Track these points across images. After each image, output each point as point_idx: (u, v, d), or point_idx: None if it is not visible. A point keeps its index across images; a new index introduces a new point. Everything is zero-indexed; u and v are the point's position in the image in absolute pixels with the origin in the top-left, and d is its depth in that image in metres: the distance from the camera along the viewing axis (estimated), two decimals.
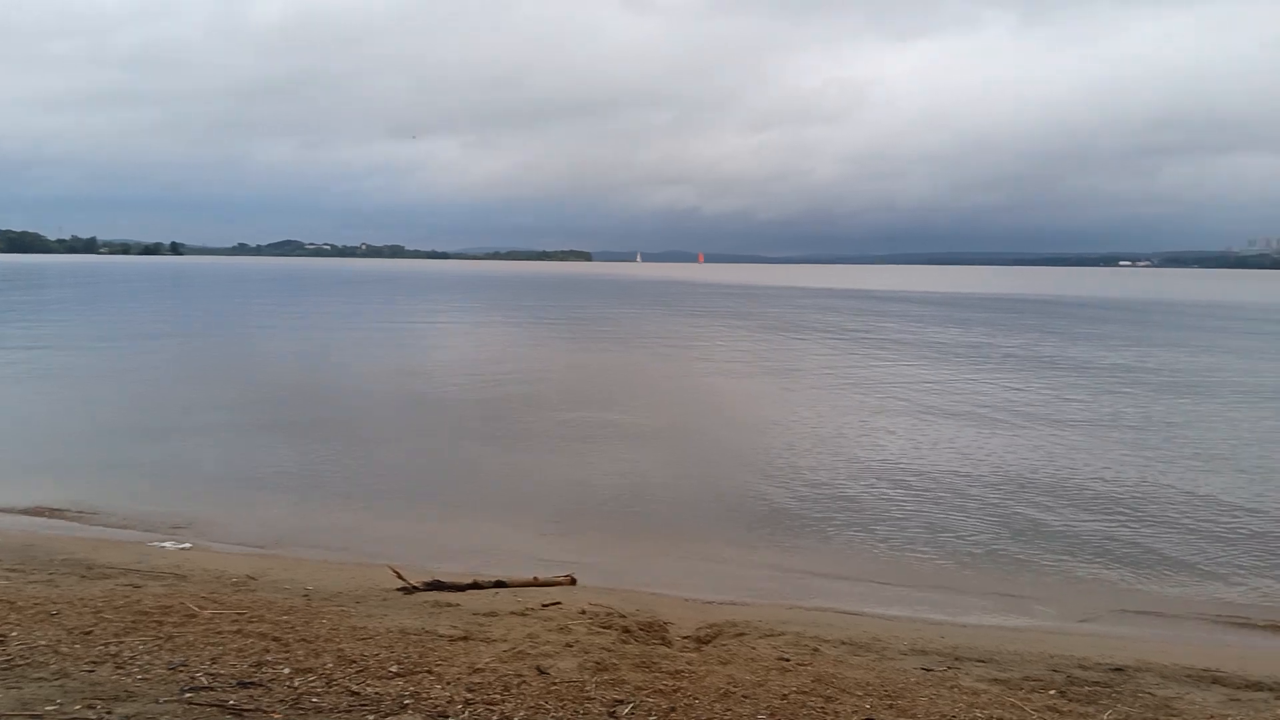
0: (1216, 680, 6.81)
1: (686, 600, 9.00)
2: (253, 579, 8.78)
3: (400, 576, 8.54)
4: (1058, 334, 44.40)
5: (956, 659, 7.07)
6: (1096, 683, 6.54)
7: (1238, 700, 6.35)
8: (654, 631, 7.55)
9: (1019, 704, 5.94)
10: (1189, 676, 6.88)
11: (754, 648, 7.09)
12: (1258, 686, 6.70)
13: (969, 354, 33.91)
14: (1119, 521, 11.89)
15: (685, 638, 7.52)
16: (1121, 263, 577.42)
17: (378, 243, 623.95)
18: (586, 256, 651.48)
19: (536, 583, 8.98)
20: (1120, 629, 8.67)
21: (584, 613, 7.81)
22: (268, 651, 6.24)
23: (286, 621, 7.02)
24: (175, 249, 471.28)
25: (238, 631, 6.66)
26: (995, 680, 6.49)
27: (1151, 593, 9.65)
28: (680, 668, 6.35)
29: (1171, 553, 10.72)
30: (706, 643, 7.36)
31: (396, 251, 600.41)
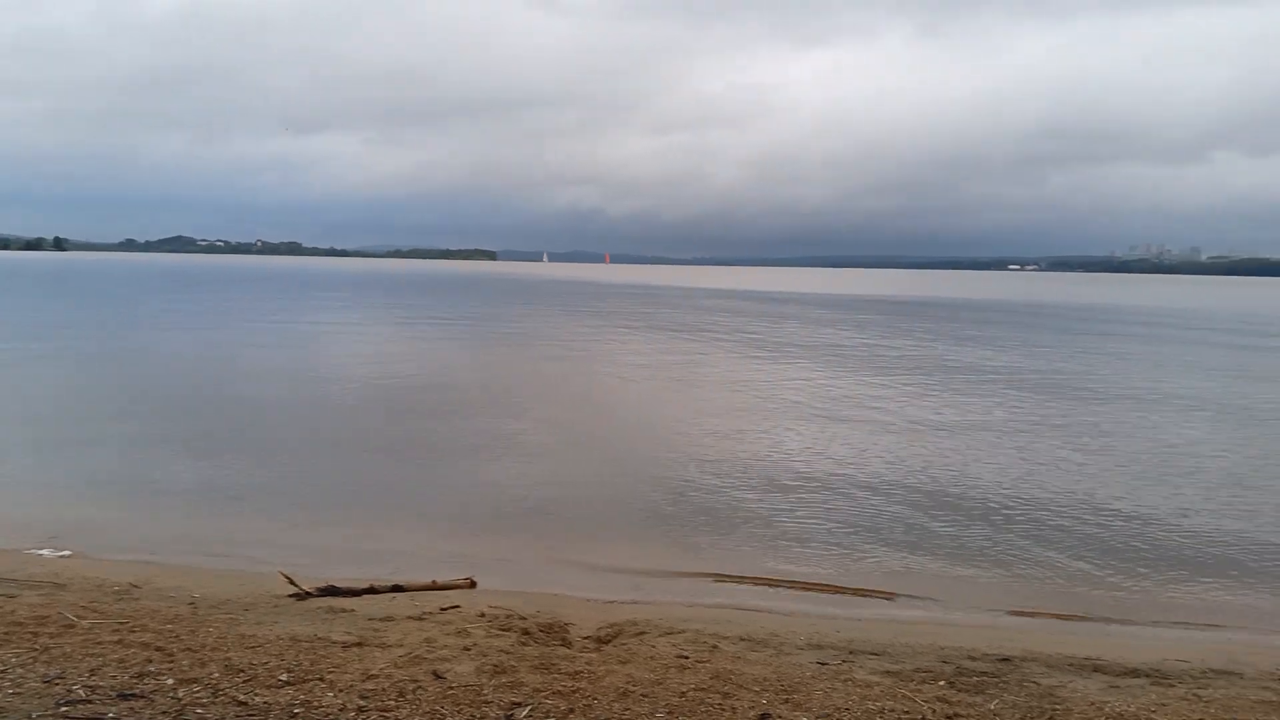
0: (1098, 668, 7.09)
1: (588, 601, 8.98)
2: (136, 587, 8.44)
3: (292, 582, 8.32)
4: (948, 336, 45.77)
5: (851, 652, 7.21)
6: (984, 673, 6.74)
7: (1117, 687, 6.61)
8: (554, 633, 7.51)
9: (910, 695, 6.08)
10: (1072, 665, 7.15)
11: (654, 646, 7.11)
12: (1136, 673, 7.00)
13: (866, 356, 34.72)
14: (1006, 518, 12.29)
15: (586, 638, 7.50)
16: (1011, 266, 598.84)
17: (274, 239, 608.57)
18: (491, 256, 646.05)
19: (435, 586, 8.85)
20: (1008, 620, 8.96)
21: (483, 615, 7.73)
22: (150, 662, 6.01)
23: (171, 630, 6.78)
24: (59, 244, 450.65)
25: (119, 642, 6.41)
26: (888, 672, 6.64)
27: (1038, 584, 9.99)
28: (579, 668, 6.34)
29: (1057, 547, 11.13)
30: (607, 642, 7.36)
31: (293, 248, 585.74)
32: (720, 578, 9.92)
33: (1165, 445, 17.26)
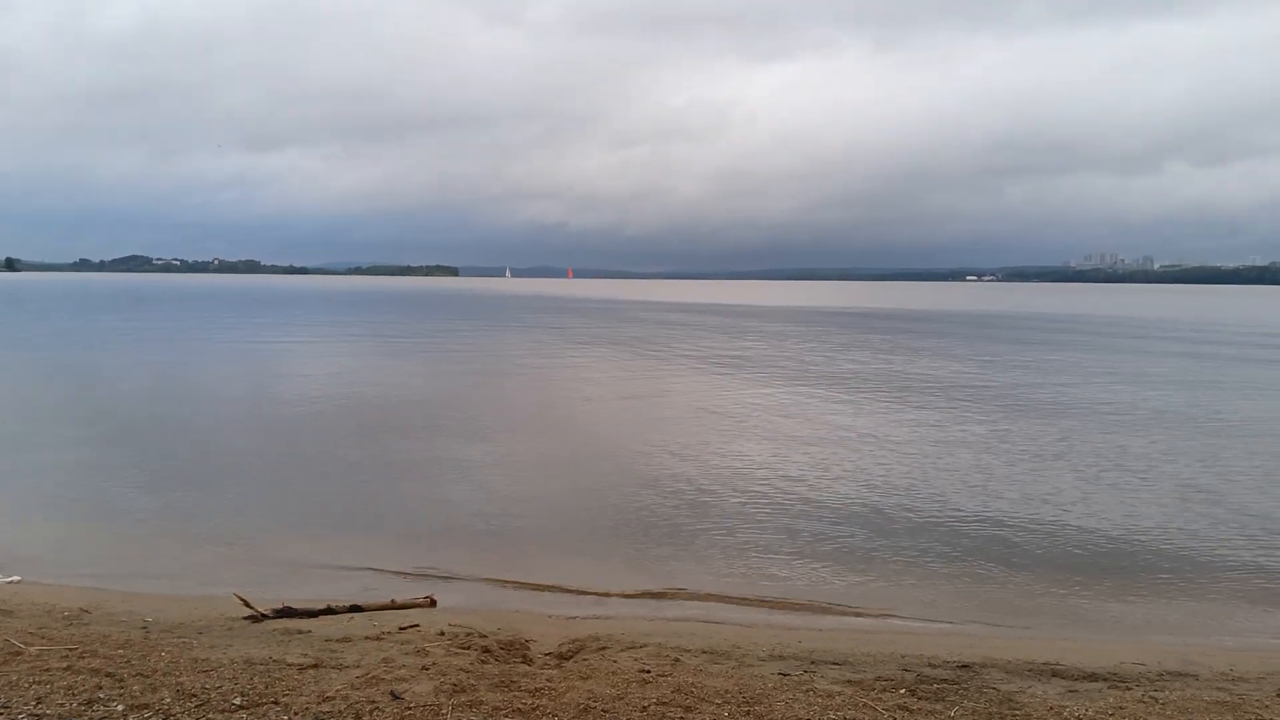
0: (1056, 673, 7.15)
1: (550, 617, 8.91)
2: (87, 612, 8.26)
3: (248, 604, 8.18)
4: (906, 349, 46.18)
5: (813, 662, 7.21)
6: (945, 680, 6.77)
7: (1075, 691, 6.67)
8: (515, 650, 7.44)
9: (871, 704, 6.09)
10: (1030, 670, 7.20)
11: (615, 661, 7.06)
12: (1093, 677, 7.06)
13: (825, 370, 34.92)
14: (962, 527, 12.39)
15: (547, 654, 7.44)
16: (969, 277, 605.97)
17: (231, 257, 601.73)
18: (453, 272, 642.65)
19: (394, 606, 8.74)
20: (968, 628, 9.02)
21: (443, 634, 7.64)
22: (100, 688, 5.87)
23: (122, 656, 6.63)
24: (10, 265, 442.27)
25: (67, 668, 6.25)
26: (849, 682, 6.64)
27: (999, 590, 10.07)
28: (540, 685, 6.27)
29: (1016, 552, 11.23)
30: (568, 659, 7.30)
31: (252, 267, 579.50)
32: (681, 593, 9.89)
33: (1118, 454, 17.49)
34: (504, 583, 10.14)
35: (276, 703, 5.72)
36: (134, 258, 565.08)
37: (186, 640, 7.24)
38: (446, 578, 10.20)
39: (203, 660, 6.58)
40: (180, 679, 6.10)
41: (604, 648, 7.51)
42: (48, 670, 6.18)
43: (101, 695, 5.75)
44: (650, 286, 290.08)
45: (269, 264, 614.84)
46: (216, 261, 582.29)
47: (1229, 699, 6.51)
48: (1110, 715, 6.05)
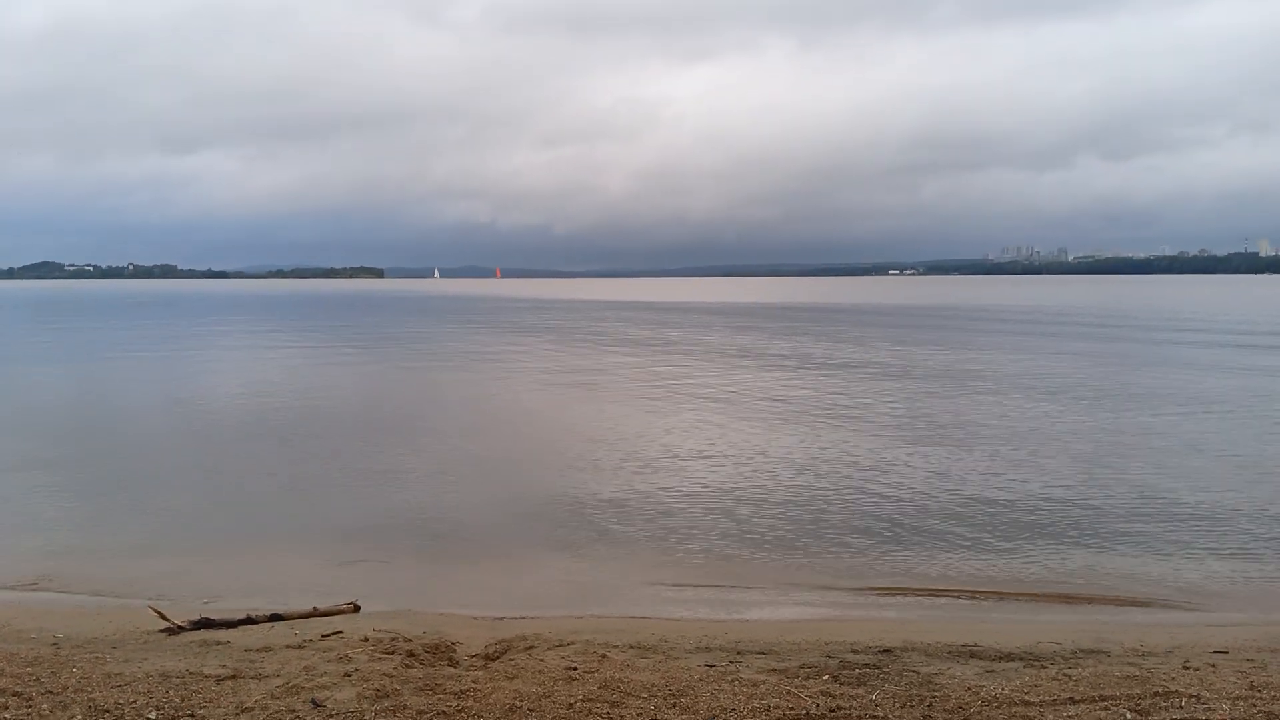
0: (974, 654, 7.33)
1: (476, 618, 8.84)
2: None
3: (163, 617, 7.96)
4: (830, 338, 46.86)
5: (739, 653, 7.28)
6: (866, 665, 6.89)
7: (992, 671, 6.84)
8: (441, 653, 7.36)
9: (795, 691, 6.18)
10: (950, 652, 7.37)
11: (542, 660, 7.04)
12: (1010, 657, 7.25)
13: (751, 358, 35.23)
14: (879, 507, 12.63)
15: (474, 656, 7.38)
16: (891, 271, 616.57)
17: (147, 262, 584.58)
18: (379, 273, 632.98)
19: (316, 613, 8.59)
20: (890, 613, 9.19)
21: (366, 640, 7.53)
22: (6, 709, 5.67)
23: (30, 674, 6.41)
24: None
25: None
26: (774, 670, 6.72)
27: (919, 573, 10.28)
28: (465, 687, 6.24)
29: (936, 533, 11.49)
30: (495, 659, 7.25)
31: (168, 271, 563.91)
32: (609, 589, 9.92)
33: (1028, 430, 17.99)
34: (430, 586, 10.02)
35: (193, 715, 5.60)
36: (45, 264, 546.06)
37: (99, 655, 7.02)
38: (370, 584, 10.04)
39: (116, 675, 6.39)
40: (92, 695, 5.93)
41: (531, 647, 7.49)
42: None
43: (8, 715, 5.56)
44: (583, 285, 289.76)
45: (186, 268, 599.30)
46: (131, 266, 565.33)
47: (1139, 673, 6.73)
48: (1026, 693, 6.21)
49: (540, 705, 5.87)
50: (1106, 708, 5.92)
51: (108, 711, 5.63)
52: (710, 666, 6.83)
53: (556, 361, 35.06)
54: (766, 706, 5.86)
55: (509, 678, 6.51)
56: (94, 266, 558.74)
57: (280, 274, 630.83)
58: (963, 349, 40.08)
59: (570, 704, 5.89)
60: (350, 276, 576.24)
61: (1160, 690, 6.24)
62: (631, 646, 7.45)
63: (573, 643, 7.54)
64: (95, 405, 25.08)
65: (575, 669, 6.71)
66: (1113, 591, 9.72)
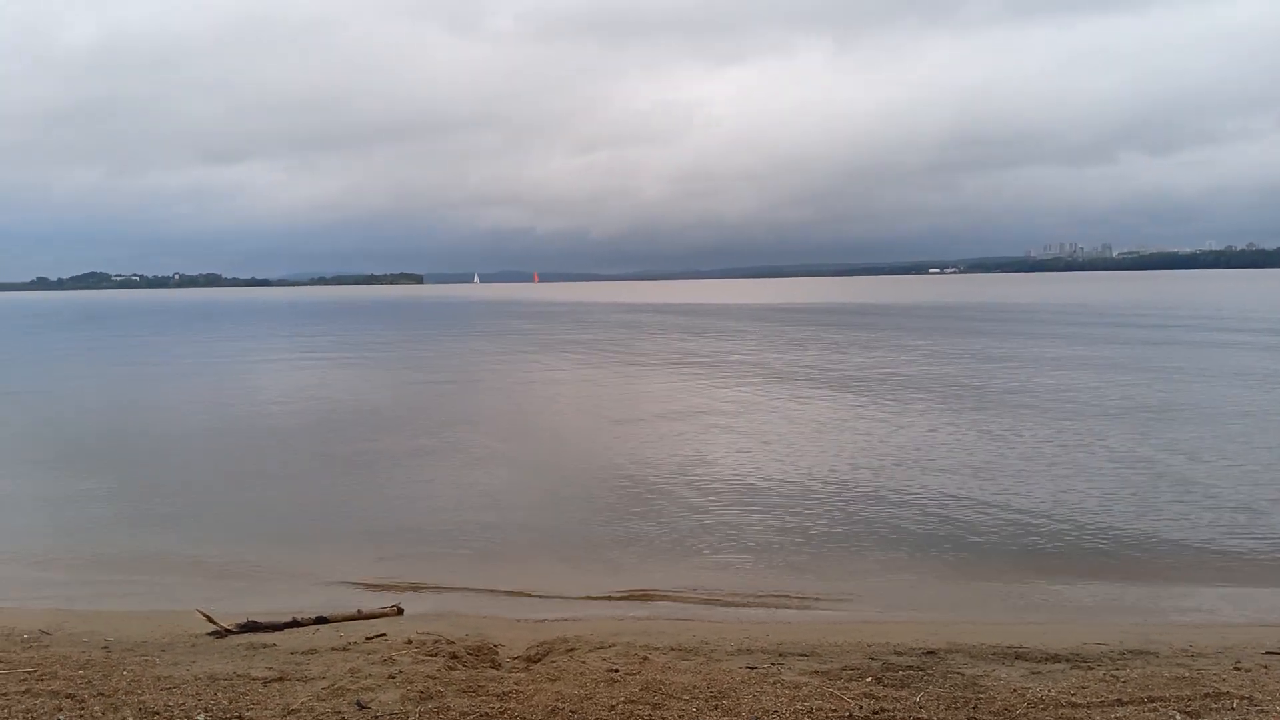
0: (1019, 656, 7.24)
1: (518, 621, 8.89)
2: (46, 634, 8.12)
3: (211, 620, 8.09)
4: (882, 343, 46.51)
5: (780, 655, 7.25)
6: (910, 667, 6.83)
7: (1038, 673, 6.75)
8: (483, 655, 7.41)
9: (838, 694, 6.14)
10: (995, 654, 7.28)
11: (584, 662, 7.06)
12: (1056, 658, 7.16)
13: (795, 367, 35.07)
14: (924, 517, 12.51)
15: (515, 658, 7.43)
16: (931, 270, 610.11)
17: (192, 271, 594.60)
18: (418, 279, 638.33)
19: (360, 616, 8.68)
20: (934, 615, 9.11)
21: (410, 642, 7.59)
22: (60, 710, 5.79)
23: (83, 676, 6.54)
24: None
25: (25, 691, 6.15)
26: (816, 672, 6.68)
27: (963, 577, 10.18)
28: (508, 689, 6.27)
29: (979, 539, 11.36)
30: (536, 661, 7.29)
31: (213, 280, 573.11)
32: (649, 592, 9.92)
33: (1077, 441, 17.73)
34: (471, 589, 10.09)
35: (241, 717, 5.67)
36: (93, 274, 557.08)
37: (149, 658, 7.15)
38: (414, 586, 10.15)
39: (165, 678, 6.50)
40: (142, 697, 6.03)
41: (572, 649, 7.51)
42: (4, 695, 6.08)
43: (61, 717, 5.67)
44: (616, 288, 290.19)
45: (230, 277, 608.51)
46: (177, 276, 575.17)
47: (1188, 674, 6.61)
48: (1073, 695, 6.13)
49: (582, 707, 5.88)
50: (1156, 709, 5.83)
51: (158, 713, 5.72)
52: (752, 669, 6.81)
53: (596, 370, 35.07)
54: (809, 709, 5.83)
55: (551, 680, 6.54)
56: (140, 276, 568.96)
57: (322, 281, 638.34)
58: (1000, 351, 39.56)
59: (612, 706, 5.90)
60: (390, 283, 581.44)
61: (1211, 692, 6.13)
62: (673, 648, 7.44)
63: (614, 645, 7.55)
64: (145, 413, 25.49)
65: (616, 671, 6.72)
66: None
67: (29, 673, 6.62)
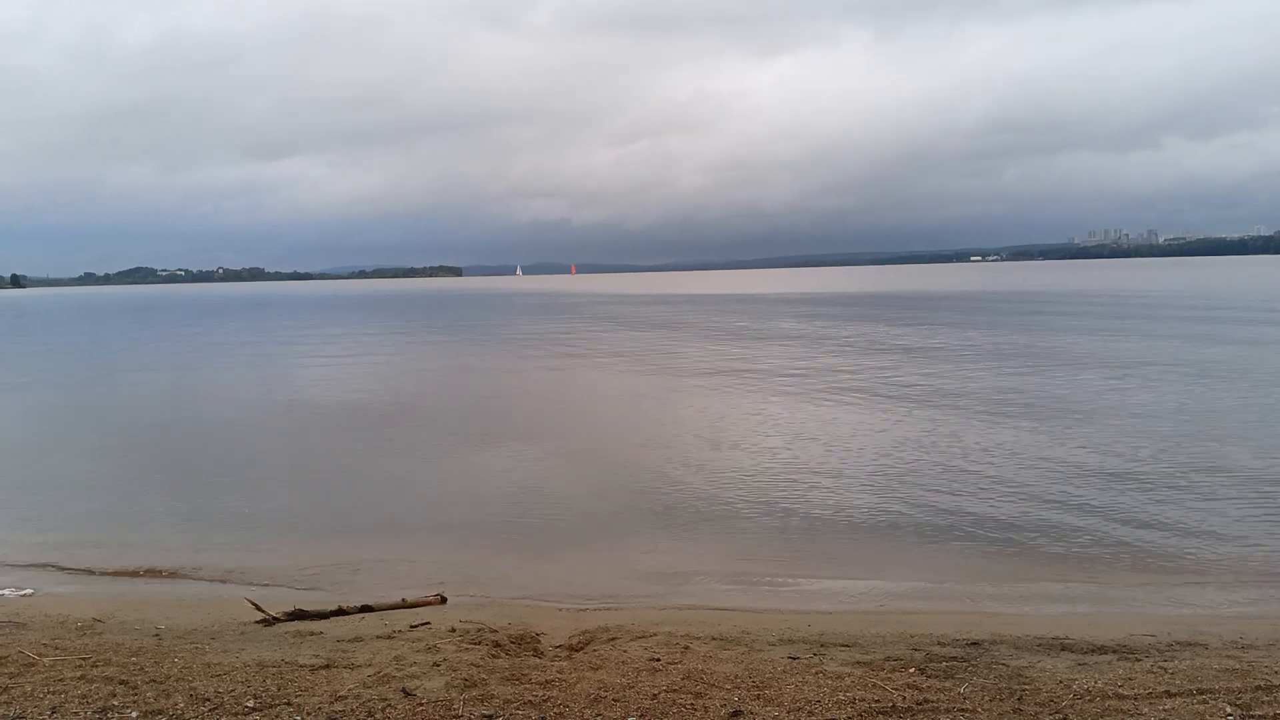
0: (1065, 647, 7.16)
1: (560, 609, 8.95)
2: (100, 621, 8.31)
3: (259, 608, 8.22)
4: (933, 324, 46.09)
5: (822, 645, 7.23)
6: (954, 658, 6.79)
7: (1085, 664, 6.68)
8: (526, 643, 7.48)
9: (880, 684, 6.11)
10: (1040, 645, 7.21)
11: (625, 651, 7.09)
12: (1102, 650, 7.07)
13: (838, 353, 34.86)
14: (972, 505, 12.39)
15: (558, 647, 7.49)
16: (973, 258, 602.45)
17: (236, 266, 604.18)
18: (456, 272, 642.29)
19: (405, 604, 8.78)
20: (977, 605, 9.03)
21: (454, 630, 7.68)
22: (114, 696, 5.92)
23: (135, 663, 6.68)
24: (16, 281, 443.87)
25: (81, 678, 6.29)
26: (858, 663, 6.66)
27: (1007, 568, 10.08)
28: (551, 677, 6.31)
29: (1023, 530, 11.24)
30: (579, 650, 7.34)
31: (256, 274, 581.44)
32: (692, 581, 9.94)
33: (1126, 430, 17.47)
34: (515, 578, 10.17)
35: (289, 703, 5.76)
36: (139, 269, 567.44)
37: (199, 646, 7.29)
38: (457, 575, 10.23)
39: (215, 665, 6.63)
40: (193, 684, 6.15)
41: (614, 638, 7.55)
42: (62, 680, 6.23)
43: (115, 703, 5.79)
44: (657, 279, 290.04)
45: (273, 271, 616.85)
46: (221, 270, 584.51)
47: (1238, 666, 6.51)
48: (1120, 686, 6.06)
49: (624, 695, 5.91)
50: (1205, 701, 5.74)
51: (208, 700, 5.83)
52: (794, 659, 6.80)
53: (638, 365, 35.10)
54: (852, 699, 5.81)
55: (593, 668, 6.58)
56: (185, 271, 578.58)
57: (362, 274, 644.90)
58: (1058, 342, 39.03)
59: (654, 694, 5.92)
60: (429, 276, 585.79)
61: (1263, 684, 6.03)
62: (714, 638, 7.45)
63: (655, 634, 7.57)
64: (193, 404, 25.92)
65: (658, 660, 6.75)
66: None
67: (84, 659, 6.78)
